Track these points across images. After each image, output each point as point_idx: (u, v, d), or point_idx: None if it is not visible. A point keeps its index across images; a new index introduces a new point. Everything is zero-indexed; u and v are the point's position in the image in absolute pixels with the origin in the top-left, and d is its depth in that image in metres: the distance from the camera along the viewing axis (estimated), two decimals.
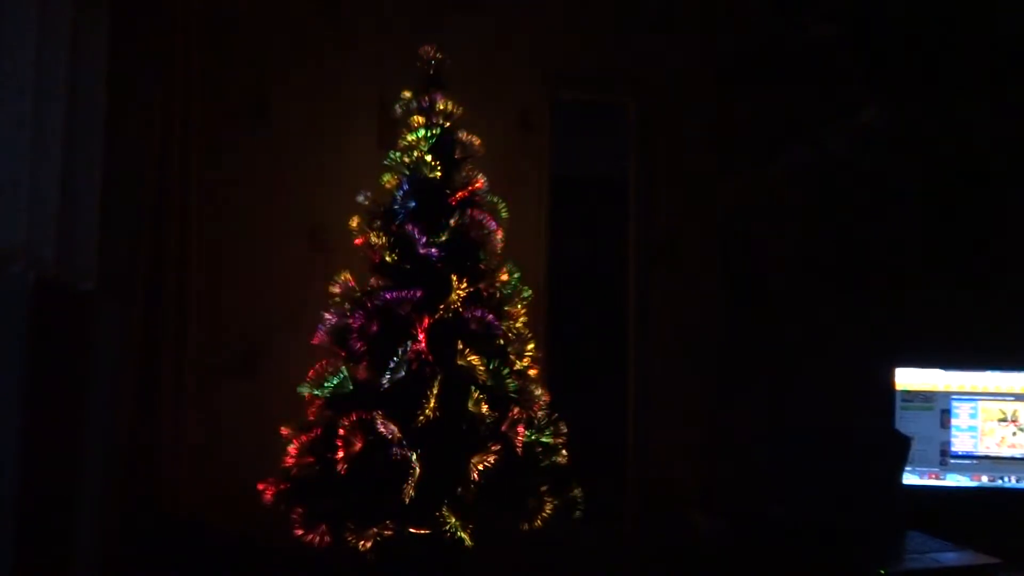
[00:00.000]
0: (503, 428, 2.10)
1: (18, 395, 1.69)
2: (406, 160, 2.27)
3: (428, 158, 2.25)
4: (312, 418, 2.18)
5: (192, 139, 2.54)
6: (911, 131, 2.92)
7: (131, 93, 2.16)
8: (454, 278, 2.16)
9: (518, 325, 2.26)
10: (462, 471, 2.01)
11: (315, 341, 2.22)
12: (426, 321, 2.11)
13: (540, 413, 2.22)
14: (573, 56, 2.93)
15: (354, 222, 2.28)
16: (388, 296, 2.14)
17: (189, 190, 2.53)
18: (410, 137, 2.28)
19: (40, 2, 1.67)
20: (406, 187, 2.25)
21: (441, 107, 2.29)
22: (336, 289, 2.24)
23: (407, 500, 1.96)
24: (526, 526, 2.12)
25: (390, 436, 2.01)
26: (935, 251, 2.98)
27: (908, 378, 2.43)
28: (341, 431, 2.03)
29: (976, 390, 2.40)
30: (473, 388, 2.09)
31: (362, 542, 2.00)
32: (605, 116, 3.10)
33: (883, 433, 2.31)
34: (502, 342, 2.20)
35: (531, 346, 2.27)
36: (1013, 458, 2.38)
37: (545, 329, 2.79)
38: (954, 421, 2.40)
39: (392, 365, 2.08)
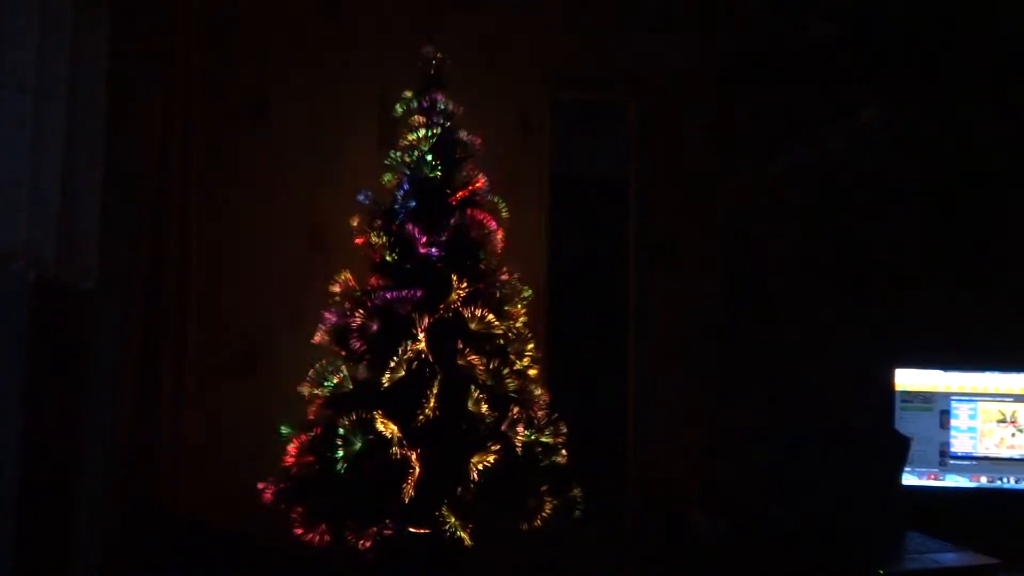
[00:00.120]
0: (503, 428, 2.10)
1: (18, 395, 1.70)
2: (406, 160, 2.27)
3: (428, 158, 2.25)
4: (312, 417, 2.18)
5: (192, 139, 2.54)
6: (911, 131, 2.92)
7: (131, 93, 2.16)
8: (454, 278, 2.16)
9: (518, 325, 2.26)
10: (462, 471, 2.01)
11: (315, 340, 2.22)
12: (426, 321, 2.11)
13: (540, 413, 2.22)
14: (573, 56, 2.93)
15: (354, 222, 2.28)
16: (388, 296, 2.14)
17: (189, 190, 2.53)
18: (410, 137, 2.28)
19: (41, 2, 1.67)
20: (406, 187, 2.25)
21: (441, 107, 2.29)
22: (336, 289, 2.24)
23: (407, 500, 1.96)
24: (526, 526, 2.12)
25: (390, 436, 2.01)
26: (935, 251, 2.98)
27: (908, 379, 2.44)
28: (341, 430, 2.04)
29: (976, 391, 2.41)
30: (473, 388, 2.09)
31: (362, 541, 2.00)
32: (605, 116, 3.10)
33: (883, 433, 2.32)
34: (502, 342, 2.20)
35: (531, 346, 2.28)
36: (1012, 459, 2.38)
37: (545, 329, 2.79)
38: (953, 422, 2.41)
39: (392, 365, 2.08)
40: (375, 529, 1.99)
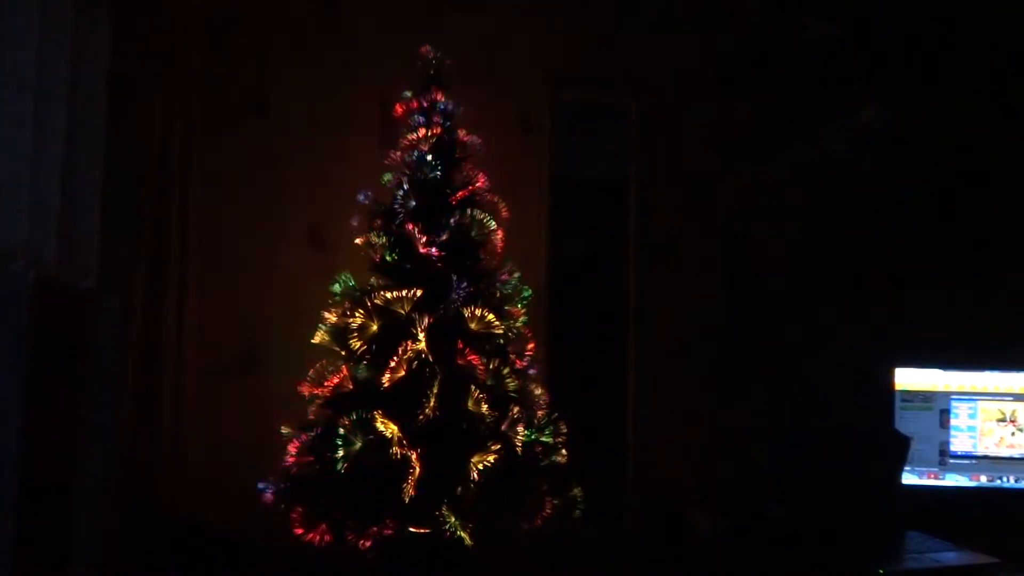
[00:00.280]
0: (503, 428, 2.10)
1: (18, 395, 1.70)
2: (406, 160, 2.27)
3: (428, 158, 2.25)
4: (312, 417, 2.18)
5: (192, 139, 2.54)
6: (911, 131, 2.92)
7: (131, 93, 2.16)
8: (454, 277, 2.17)
9: (518, 325, 2.26)
10: (462, 470, 2.01)
11: (315, 340, 2.22)
12: (426, 320, 2.11)
13: (540, 413, 2.22)
14: (573, 56, 2.93)
15: (354, 221, 2.28)
16: (388, 295, 2.14)
17: (189, 190, 2.53)
18: (410, 137, 2.28)
19: (41, 2, 1.67)
20: (406, 187, 2.25)
21: (441, 107, 2.29)
22: (336, 288, 2.24)
23: (407, 499, 1.96)
24: (526, 526, 2.12)
25: (390, 435, 2.01)
26: (935, 251, 2.98)
27: (907, 378, 2.44)
28: (341, 430, 2.04)
29: (975, 390, 2.41)
30: (473, 387, 2.09)
31: (362, 541, 2.00)
32: (605, 116, 3.10)
33: (882, 433, 2.32)
34: (502, 342, 2.20)
35: (531, 346, 2.28)
36: (1012, 458, 2.38)
37: (545, 329, 2.79)
38: (953, 421, 2.41)
39: (392, 364, 2.08)
40: (375, 529, 1.99)
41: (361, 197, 2.28)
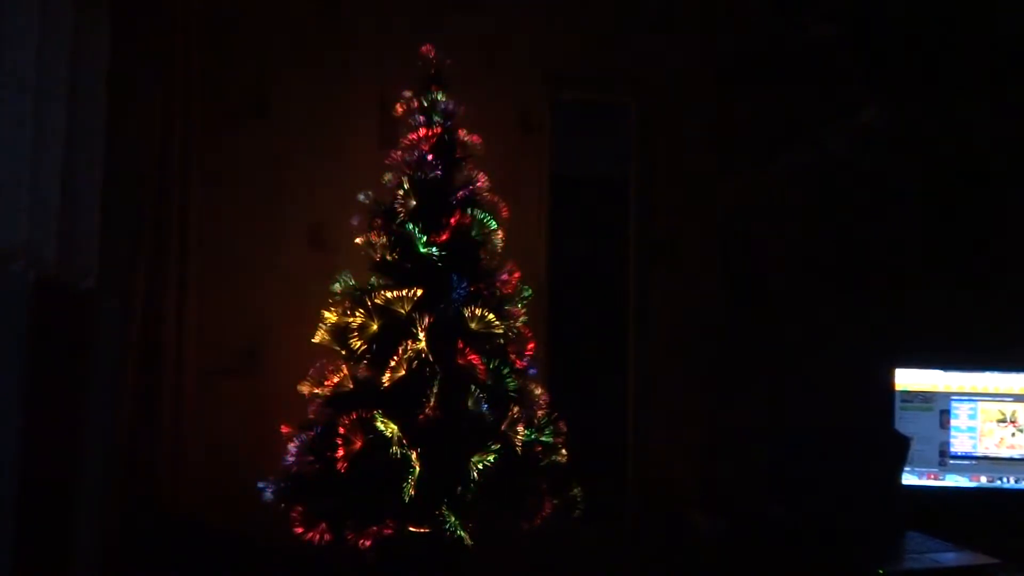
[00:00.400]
0: (503, 427, 2.10)
1: (18, 395, 1.70)
2: (407, 159, 2.28)
3: (429, 157, 2.25)
4: (312, 417, 2.18)
5: (192, 139, 2.54)
6: (911, 131, 2.92)
7: (131, 93, 2.16)
8: (454, 277, 2.17)
9: (518, 325, 2.26)
10: (462, 470, 2.01)
11: (315, 340, 2.22)
12: (426, 320, 2.11)
13: (540, 412, 2.22)
14: (573, 56, 2.93)
15: (354, 221, 2.28)
16: (389, 295, 2.14)
17: (189, 190, 2.53)
18: (411, 136, 2.28)
19: (41, 2, 1.67)
20: (407, 186, 2.25)
21: (442, 107, 2.29)
22: (336, 288, 2.24)
23: (407, 499, 1.96)
24: (526, 525, 2.12)
25: (390, 435, 2.01)
26: (935, 251, 2.98)
27: (908, 378, 2.44)
28: (341, 430, 2.04)
29: (975, 391, 2.41)
30: (473, 387, 2.09)
31: (362, 541, 2.00)
32: (605, 116, 3.10)
33: (882, 433, 2.32)
34: (502, 341, 2.20)
35: (531, 345, 2.28)
36: (1012, 459, 2.38)
37: (545, 329, 2.79)
38: (953, 422, 2.41)
39: (392, 364, 2.08)
40: (375, 528, 2.00)
41: (361, 197, 2.28)
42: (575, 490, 2.21)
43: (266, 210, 2.68)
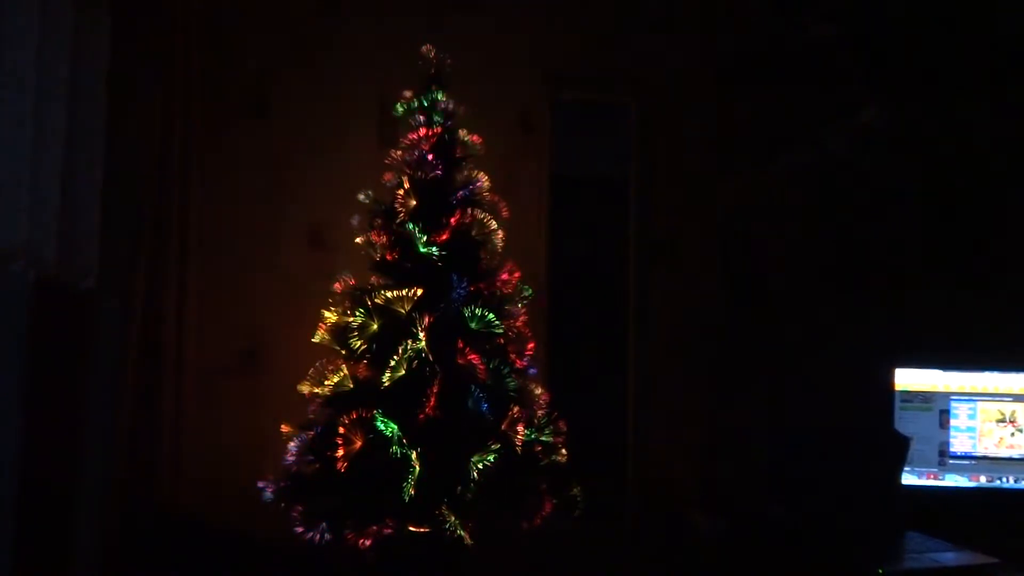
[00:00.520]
0: (503, 427, 2.10)
1: (18, 395, 1.70)
2: (407, 159, 2.28)
3: (429, 157, 2.25)
4: (312, 416, 2.18)
5: (192, 139, 2.54)
6: (911, 131, 2.92)
7: (131, 93, 2.16)
8: (455, 277, 2.17)
9: (518, 324, 2.26)
10: (462, 470, 2.01)
11: (315, 340, 2.22)
12: (426, 320, 2.11)
13: (540, 412, 2.22)
14: (573, 56, 2.93)
15: (354, 221, 2.28)
16: (389, 295, 2.14)
17: (189, 190, 2.53)
18: (411, 136, 2.28)
19: (41, 2, 1.67)
20: (407, 186, 2.25)
21: (442, 106, 2.29)
22: (336, 287, 2.24)
23: (407, 498, 1.96)
24: (526, 525, 2.12)
25: (390, 434, 2.01)
26: (935, 251, 2.98)
27: (907, 378, 2.44)
28: (341, 429, 2.04)
29: (975, 391, 2.41)
30: (473, 387, 2.09)
31: (362, 540, 2.00)
32: (605, 116, 3.10)
33: (882, 433, 2.32)
34: (502, 341, 2.20)
35: (531, 345, 2.28)
36: (1011, 459, 2.38)
37: (545, 329, 2.79)
38: (953, 421, 2.41)
39: (392, 364, 2.08)
40: (375, 528, 1.99)
41: (361, 197, 2.28)
42: (575, 490, 2.21)
43: (266, 210, 2.68)
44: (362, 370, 2.18)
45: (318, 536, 2.01)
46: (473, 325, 2.14)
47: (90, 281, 1.91)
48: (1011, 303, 2.84)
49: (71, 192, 1.80)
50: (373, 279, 2.27)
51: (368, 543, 2.00)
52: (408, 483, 1.96)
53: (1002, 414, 2.39)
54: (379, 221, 2.26)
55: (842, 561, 1.93)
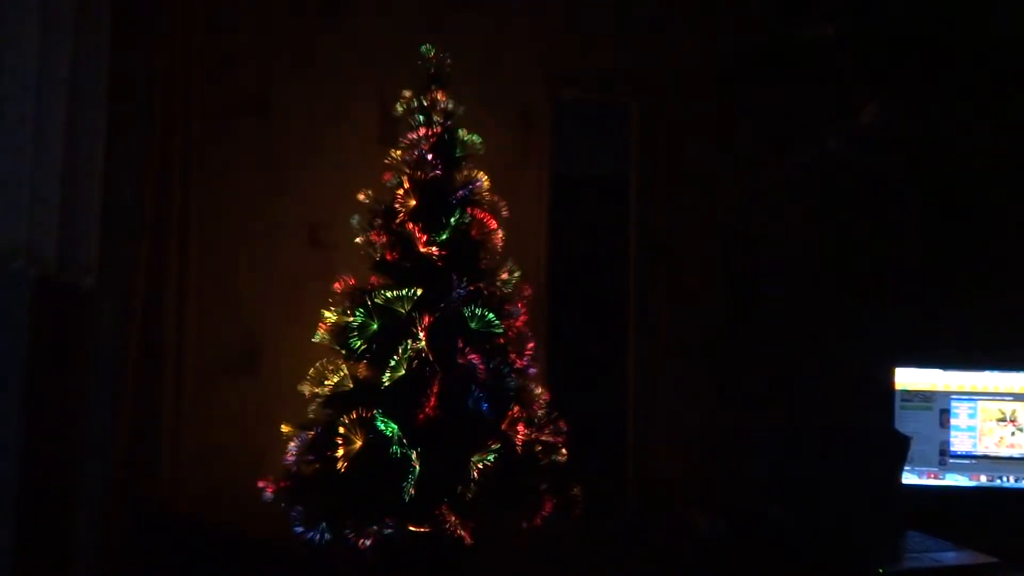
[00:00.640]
0: (503, 427, 2.10)
1: (18, 395, 1.70)
2: (407, 159, 2.28)
3: (429, 157, 2.25)
4: (312, 416, 2.18)
5: (192, 139, 2.54)
6: (911, 131, 2.92)
7: (131, 93, 2.16)
8: (454, 277, 2.17)
9: (518, 324, 2.26)
10: (462, 469, 2.01)
11: (315, 339, 2.22)
12: (426, 319, 2.11)
13: (540, 412, 2.22)
14: (574, 55, 2.93)
15: (354, 221, 2.28)
16: (388, 294, 2.14)
17: (189, 190, 2.53)
18: (411, 135, 2.28)
19: (41, 2, 1.67)
20: (407, 186, 2.25)
21: (442, 106, 2.29)
22: (336, 287, 2.24)
23: (407, 498, 1.96)
24: (526, 525, 2.12)
25: (390, 434, 2.01)
26: (935, 251, 2.98)
27: (907, 377, 2.43)
28: (341, 429, 2.04)
29: (975, 390, 2.41)
30: (473, 387, 2.09)
31: (362, 540, 2.00)
32: (605, 116, 3.10)
33: (882, 433, 2.32)
34: (502, 341, 2.20)
35: (531, 345, 2.28)
36: (1012, 458, 2.38)
37: (545, 328, 2.79)
38: (953, 421, 2.41)
39: (392, 363, 2.08)
40: (375, 528, 1.99)
41: (362, 196, 2.28)
42: (575, 490, 2.21)
43: (266, 210, 2.68)
44: (362, 370, 2.18)
45: (318, 536, 2.01)
46: (473, 325, 2.14)
47: (90, 281, 1.91)
48: (1011, 303, 2.84)
49: (72, 191, 1.80)
50: (373, 279, 2.27)
51: (368, 543, 2.00)
52: (408, 483, 1.97)
53: (1002, 413, 2.39)
54: (379, 221, 2.26)
55: (842, 561, 1.93)
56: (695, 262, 2.98)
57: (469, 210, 2.25)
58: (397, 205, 2.24)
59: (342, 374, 2.14)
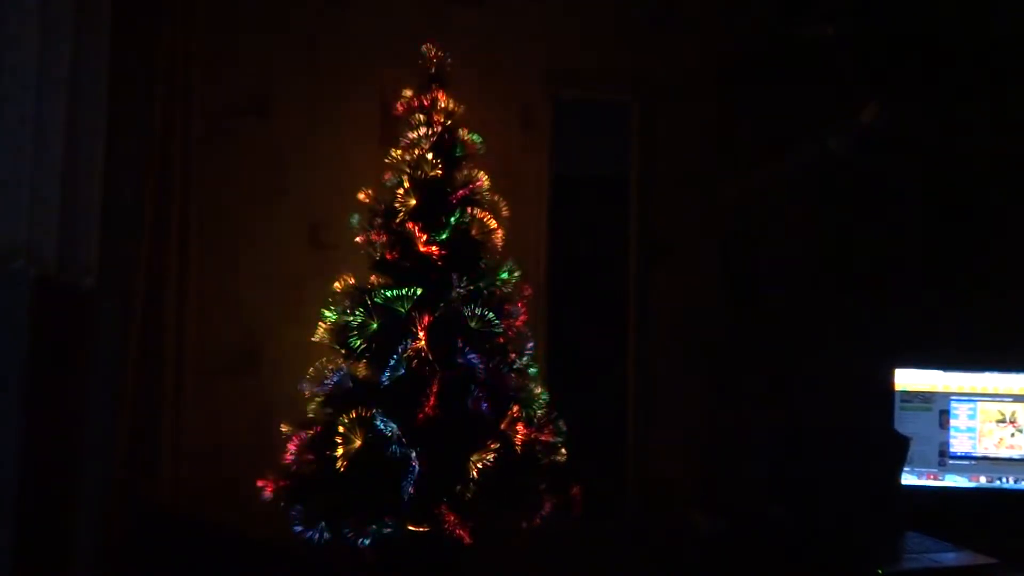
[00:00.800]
0: (503, 426, 2.10)
1: (18, 395, 1.70)
2: (407, 158, 2.28)
3: (429, 156, 2.25)
4: (312, 415, 2.18)
5: (192, 139, 2.54)
6: (911, 131, 2.92)
7: (131, 93, 2.16)
8: (454, 276, 2.17)
9: (518, 324, 2.26)
10: (461, 469, 2.01)
11: (315, 339, 2.22)
12: (426, 319, 2.11)
13: (540, 412, 2.22)
14: (574, 55, 2.93)
15: (355, 220, 2.28)
16: (388, 294, 2.14)
17: (189, 190, 2.53)
18: (411, 135, 2.29)
19: (41, 2, 1.67)
20: (407, 185, 2.25)
21: (442, 105, 2.30)
22: (336, 287, 2.24)
23: (406, 498, 1.96)
24: (525, 524, 2.12)
25: (389, 434, 2.01)
26: (935, 251, 2.98)
27: (907, 378, 2.43)
28: (341, 428, 2.04)
29: (975, 391, 2.40)
30: (473, 386, 2.09)
31: (361, 539, 2.00)
32: (606, 115, 3.10)
33: (882, 433, 2.31)
34: (502, 340, 2.20)
35: (531, 344, 2.28)
36: (1011, 459, 2.38)
37: (545, 328, 2.79)
38: (953, 422, 2.40)
39: (392, 363, 2.08)
40: (374, 527, 1.99)
41: (362, 195, 2.29)
42: (575, 490, 2.21)
43: (266, 210, 2.68)
44: (362, 369, 2.18)
45: (317, 535, 2.01)
46: (473, 324, 2.15)
47: (90, 281, 1.91)
48: (1011, 303, 2.83)
49: (72, 191, 1.80)
50: (373, 278, 2.28)
51: (367, 542, 2.00)
52: (407, 482, 1.97)
53: (1002, 414, 2.39)
54: (379, 220, 2.26)
55: (842, 561, 1.93)
56: (695, 262, 2.98)
57: (469, 209, 2.25)
58: (397, 204, 2.24)
59: (342, 373, 2.14)
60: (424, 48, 2.34)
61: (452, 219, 2.21)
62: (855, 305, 2.94)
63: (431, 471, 2.00)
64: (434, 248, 2.18)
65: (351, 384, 2.14)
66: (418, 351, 2.09)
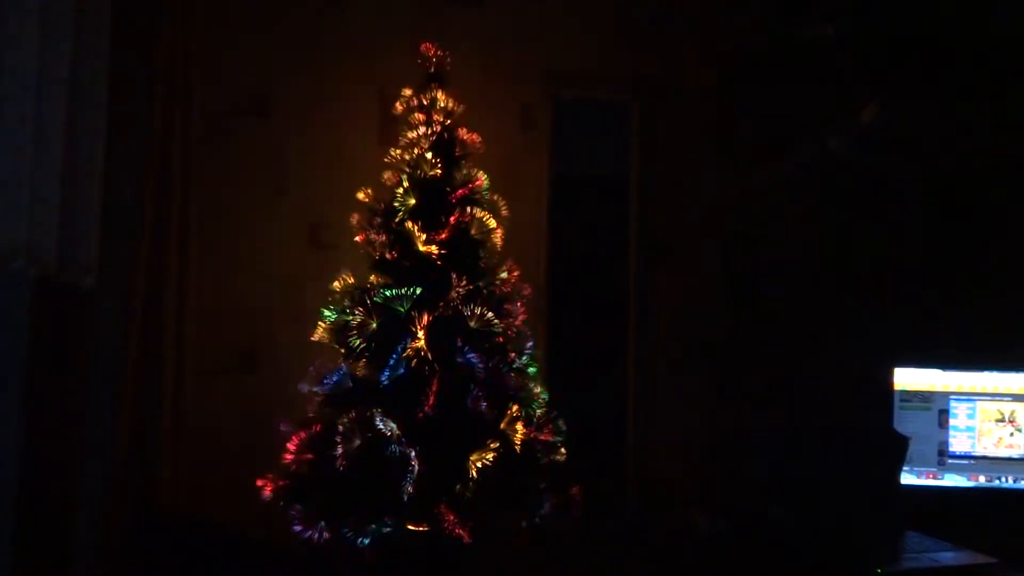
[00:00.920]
0: (502, 426, 2.10)
1: (18, 395, 1.70)
2: (406, 158, 2.28)
3: (428, 156, 2.26)
4: (312, 415, 2.18)
5: (192, 139, 2.54)
6: (911, 131, 2.92)
7: (131, 93, 2.16)
8: (454, 276, 2.17)
9: (518, 323, 2.26)
10: (461, 468, 2.01)
11: (315, 338, 2.22)
12: (426, 318, 2.12)
13: (539, 411, 2.22)
14: (574, 55, 2.93)
15: (354, 219, 2.28)
16: (388, 293, 2.14)
17: (189, 190, 2.54)
18: (410, 135, 2.29)
19: (41, 2, 1.67)
20: (406, 185, 2.25)
21: (442, 105, 2.30)
22: (336, 286, 2.24)
23: (406, 497, 1.97)
24: (525, 524, 2.12)
25: (389, 433, 2.01)
26: (935, 251, 2.98)
27: (907, 378, 2.43)
28: (340, 428, 2.04)
29: (974, 390, 2.41)
30: (472, 386, 2.09)
31: (360, 539, 2.00)
32: (606, 115, 3.10)
33: (882, 433, 2.32)
34: (502, 340, 2.20)
35: (531, 344, 2.28)
36: (1011, 458, 2.38)
37: (545, 328, 2.79)
38: (952, 421, 2.41)
39: (391, 362, 2.08)
40: (374, 526, 1.99)
41: (361, 195, 2.29)
42: (575, 490, 2.21)
43: (266, 210, 2.68)
44: (361, 369, 2.18)
45: (317, 535, 2.01)
46: (472, 324, 2.15)
47: (90, 281, 1.91)
48: (1011, 303, 2.83)
49: (72, 191, 1.80)
50: (372, 278, 2.28)
51: (367, 542, 2.00)
52: (407, 482, 1.97)
53: (1001, 414, 2.39)
54: (378, 220, 2.26)
55: (841, 561, 1.93)
56: (695, 262, 2.98)
57: (469, 209, 2.25)
58: (397, 204, 2.24)
59: (341, 373, 2.14)
60: (424, 48, 2.34)
61: (451, 218, 2.21)
62: (855, 305, 2.94)
63: (431, 470, 2.00)
64: (433, 247, 2.18)
65: (351, 384, 2.13)
66: (417, 350, 2.10)
